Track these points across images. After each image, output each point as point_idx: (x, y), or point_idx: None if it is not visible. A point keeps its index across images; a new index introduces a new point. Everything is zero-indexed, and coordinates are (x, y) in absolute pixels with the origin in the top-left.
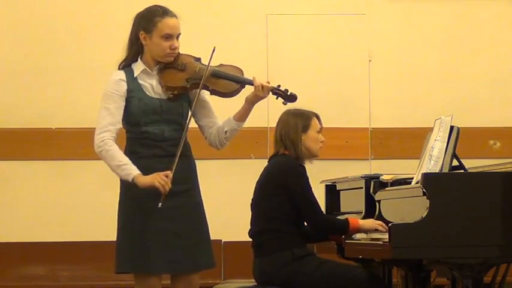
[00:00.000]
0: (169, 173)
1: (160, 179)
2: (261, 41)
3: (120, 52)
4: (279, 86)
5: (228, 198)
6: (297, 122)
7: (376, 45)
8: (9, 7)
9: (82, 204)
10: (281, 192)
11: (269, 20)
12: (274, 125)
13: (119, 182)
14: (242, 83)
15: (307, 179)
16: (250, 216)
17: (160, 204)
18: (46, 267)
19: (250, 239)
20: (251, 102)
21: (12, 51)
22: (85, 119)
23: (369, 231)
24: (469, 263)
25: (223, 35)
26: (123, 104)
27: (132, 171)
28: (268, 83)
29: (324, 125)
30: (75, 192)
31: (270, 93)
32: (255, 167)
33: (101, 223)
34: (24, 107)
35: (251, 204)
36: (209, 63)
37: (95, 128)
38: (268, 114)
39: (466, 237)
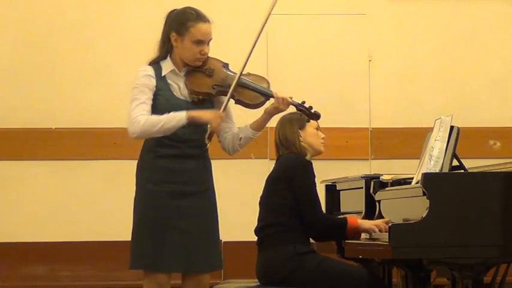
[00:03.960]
0: (223, 114)
1: (217, 121)
2: (261, 41)
3: (119, 52)
4: (303, 102)
5: (228, 198)
6: (292, 122)
7: (376, 45)
8: (9, 7)
9: (82, 204)
10: (286, 187)
11: (269, 20)
12: (274, 125)
13: (135, 177)
14: (266, 96)
15: (314, 176)
16: (250, 216)
17: (207, 142)
18: (46, 267)
19: (256, 237)
20: (270, 114)
21: (12, 51)
22: (85, 119)
23: (367, 231)
24: (469, 263)
25: (223, 35)
26: (152, 96)
27: (178, 115)
28: (291, 98)
29: (324, 125)
30: (75, 192)
31: (295, 109)
32: (255, 167)
33: (101, 223)
34: (24, 107)
35: (259, 202)
36: (240, 73)
37: (94, 128)
38: None
39: (466, 237)
